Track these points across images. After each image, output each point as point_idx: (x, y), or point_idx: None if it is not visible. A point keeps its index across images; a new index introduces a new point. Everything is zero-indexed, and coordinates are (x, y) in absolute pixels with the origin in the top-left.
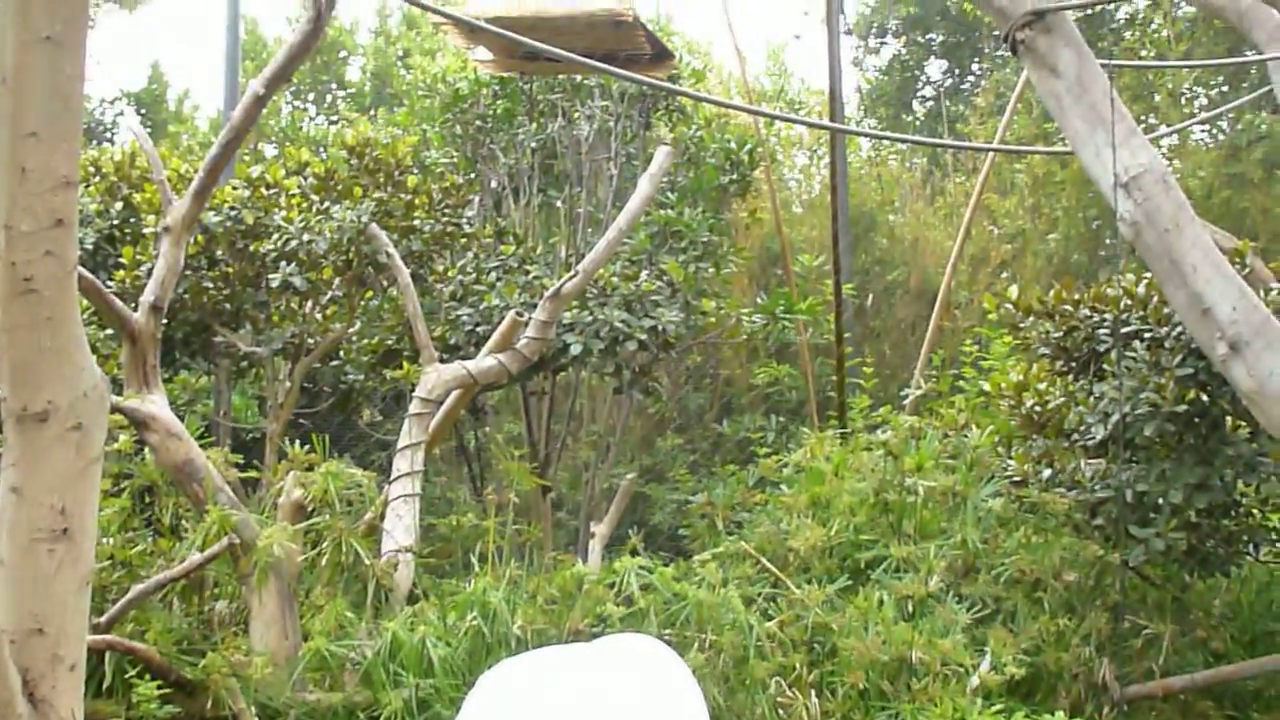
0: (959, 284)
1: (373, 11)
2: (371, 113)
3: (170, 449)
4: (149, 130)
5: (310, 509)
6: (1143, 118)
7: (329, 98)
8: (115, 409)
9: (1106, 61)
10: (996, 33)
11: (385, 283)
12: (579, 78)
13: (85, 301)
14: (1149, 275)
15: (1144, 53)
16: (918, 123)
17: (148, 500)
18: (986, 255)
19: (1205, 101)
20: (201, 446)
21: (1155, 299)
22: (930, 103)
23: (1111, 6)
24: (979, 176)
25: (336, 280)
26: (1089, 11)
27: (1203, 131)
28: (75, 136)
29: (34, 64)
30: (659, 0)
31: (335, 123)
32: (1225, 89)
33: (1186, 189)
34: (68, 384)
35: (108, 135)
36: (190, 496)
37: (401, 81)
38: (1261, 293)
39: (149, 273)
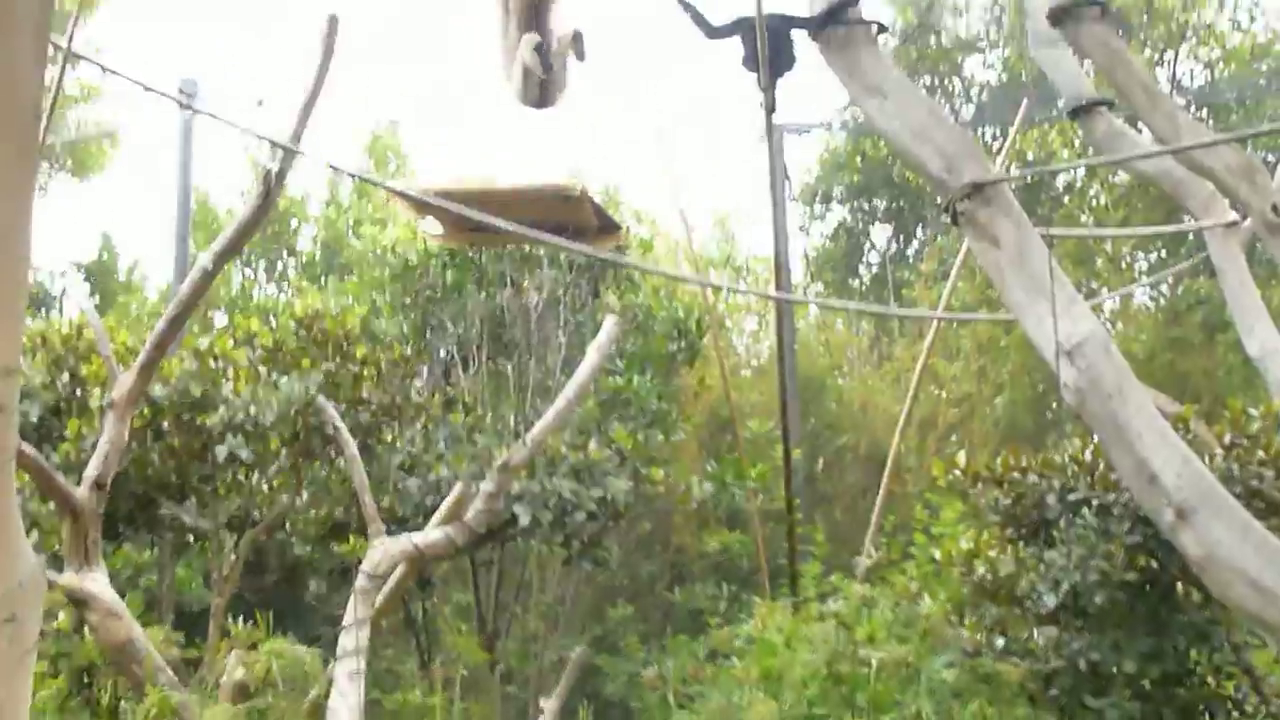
0: (908, 448)
1: (324, 182)
2: (322, 281)
3: (110, 629)
4: (97, 301)
5: (253, 689)
6: (1083, 282)
7: (279, 265)
8: (54, 585)
9: (1046, 231)
10: (938, 202)
11: (333, 454)
12: (528, 248)
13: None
14: (1095, 441)
15: (1083, 218)
16: (864, 287)
17: (86, 681)
18: (935, 419)
19: (1145, 266)
20: (144, 623)
21: (1102, 466)
22: (876, 268)
23: (1050, 174)
24: (925, 341)
25: (284, 452)
26: (1028, 180)
27: (1144, 295)
28: (19, 321)
29: None
30: (606, 170)
31: (285, 291)
32: (1164, 253)
33: (1129, 353)
34: (2, 575)
35: (55, 306)
36: (130, 677)
37: (352, 250)
38: (1206, 458)
39: (93, 446)
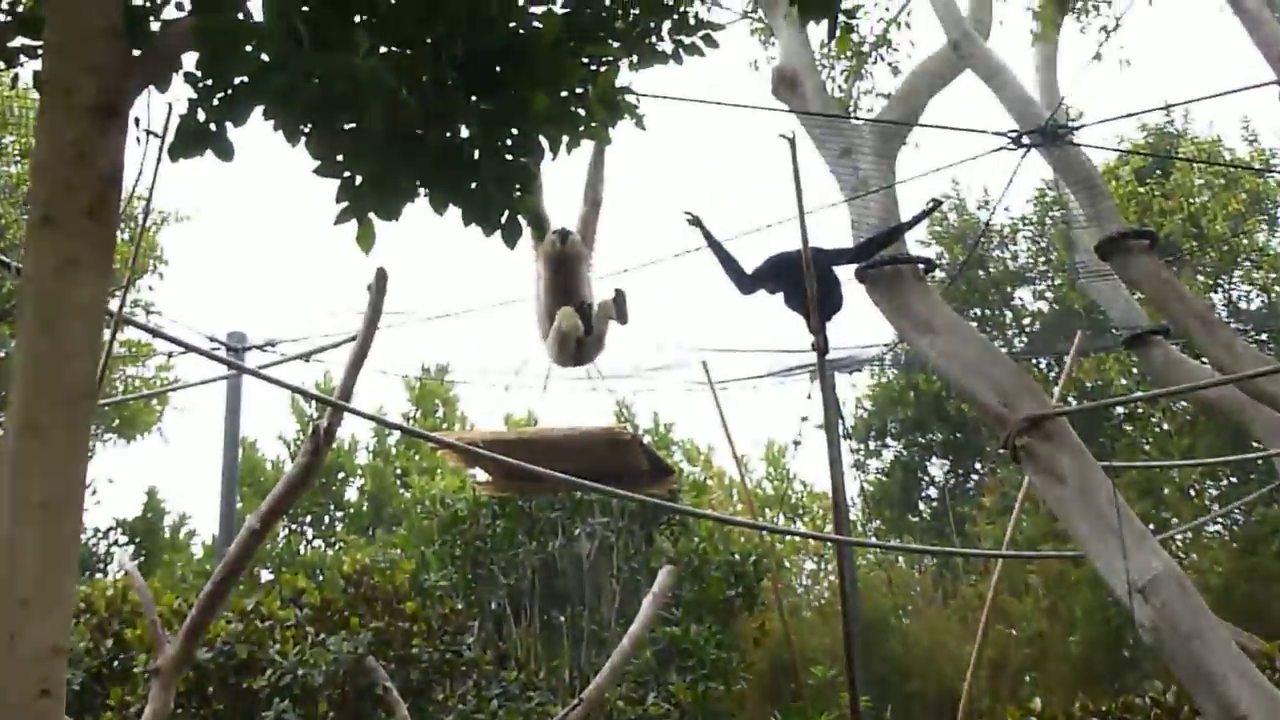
0: (980, 692)
1: (370, 431)
2: (370, 533)
3: None
4: (142, 560)
5: None
6: (1152, 513)
7: (326, 519)
8: None
9: (1108, 464)
10: (997, 436)
11: (383, 715)
12: (579, 495)
13: None
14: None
15: (1146, 447)
16: (923, 524)
17: None
18: (1006, 660)
19: (1215, 493)
20: None
21: (1186, 709)
22: (935, 503)
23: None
24: (992, 578)
25: (332, 714)
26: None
27: (1217, 524)
28: (69, 601)
29: (29, 531)
30: (658, 411)
31: (333, 545)
32: (1233, 480)
33: (1205, 585)
34: None
35: (100, 567)
36: None
37: (400, 500)
38: None
39: (137, 714)
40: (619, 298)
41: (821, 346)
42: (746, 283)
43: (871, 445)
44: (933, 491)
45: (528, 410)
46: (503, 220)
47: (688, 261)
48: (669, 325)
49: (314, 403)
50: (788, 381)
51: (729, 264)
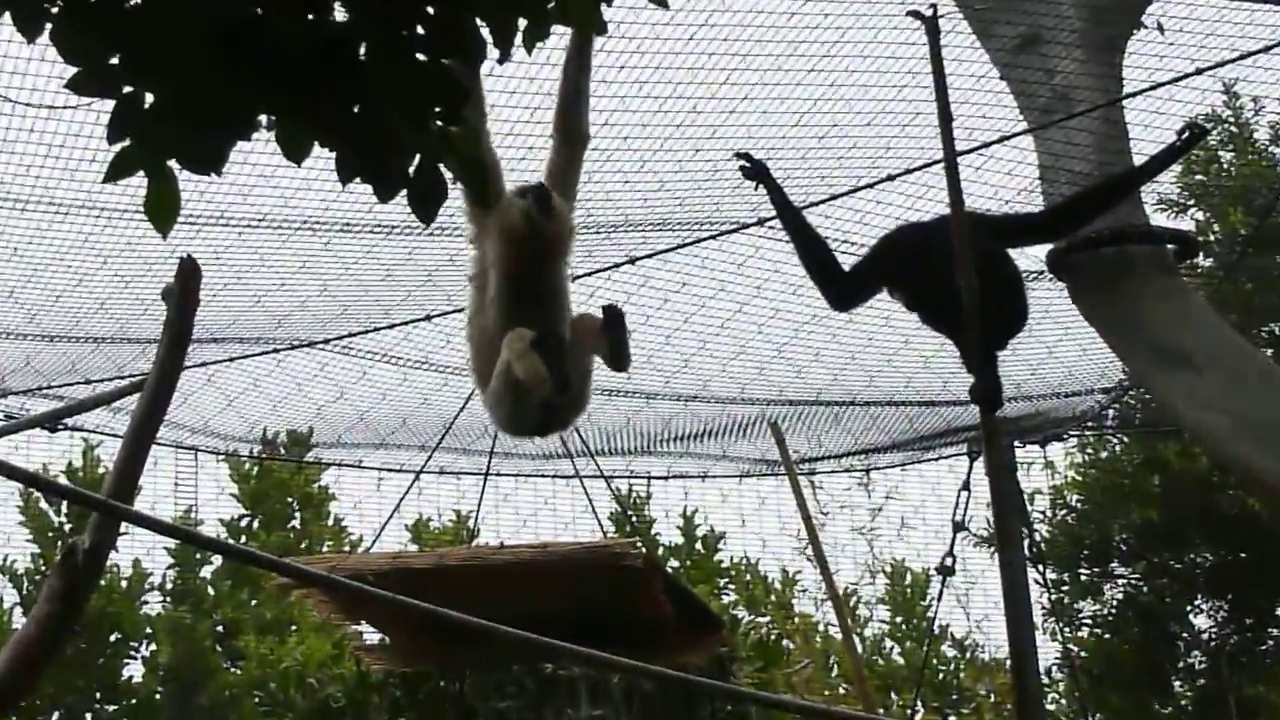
0: None
1: (170, 555)
2: None
3: None
4: None
5: None
6: None
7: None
8: None
9: None
10: None
11: None
12: (550, 667)
13: None
14: None
15: None
16: (1182, 713)
17: None
18: None
19: None
20: None
21: None
22: (1203, 680)
23: None
24: None
25: None
26: None
27: None
28: None
29: None
30: (693, 505)
31: None
32: None
33: None
34: None
35: None
36: None
37: (224, 682)
38: None
39: None
40: (613, 321)
41: (988, 393)
42: (845, 284)
43: (1083, 575)
44: (1199, 658)
45: (457, 511)
46: (411, 171)
47: (738, 244)
48: (703, 357)
49: (65, 502)
50: (927, 458)
51: (813, 250)
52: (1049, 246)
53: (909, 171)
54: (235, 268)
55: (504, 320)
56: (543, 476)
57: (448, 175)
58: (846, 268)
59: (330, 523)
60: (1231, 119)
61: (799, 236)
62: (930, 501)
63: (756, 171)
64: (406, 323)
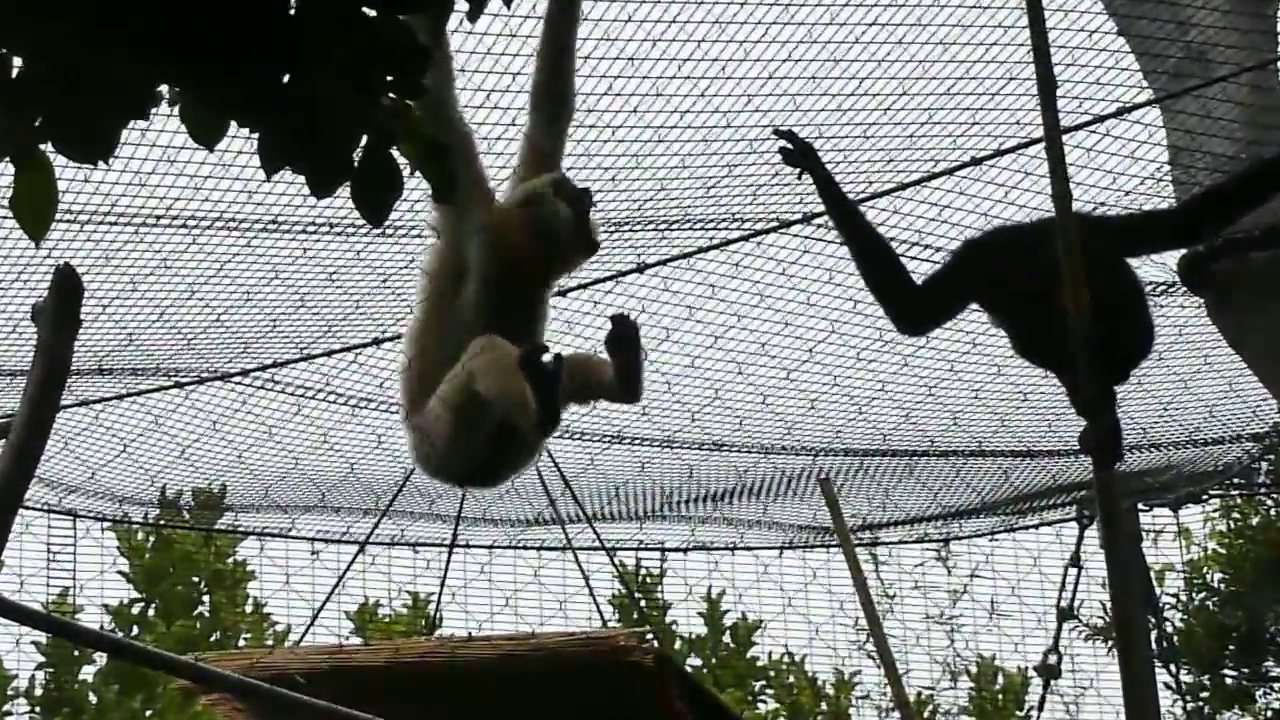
0: None
1: (37, 647)
2: None
3: None
4: None
5: None
6: None
7: None
8: None
9: None
10: None
11: None
12: None
13: None
14: None
15: None
16: None
17: None
18: None
19: None
20: None
21: None
22: None
23: None
24: None
25: None
26: None
27: None
28: None
29: None
30: (716, 585)
31: None
32: None
33: None
34: None
35: None
36: None
37: None
38: None
39: None
40: (623, 334)
41: (1104, 441)
42: (917, 301)
43: (1228, 676)
44: None
45: (414, 593)
46: (355, 158)
47: (781, 243)
48: (736, 389)
49: None
50: (1026, 525)
51: (874, 257)
52: (1182, 252)
53: (999, 154)
54: (129, 276)
55: (476, 332)
56: (526, 548)
57: (403, 162)
58: (919, 280)
59: (249, 608)
60: None
61: (856, 239)
62: (1029, 581)
63: (801, 155)
64: (352, 348)
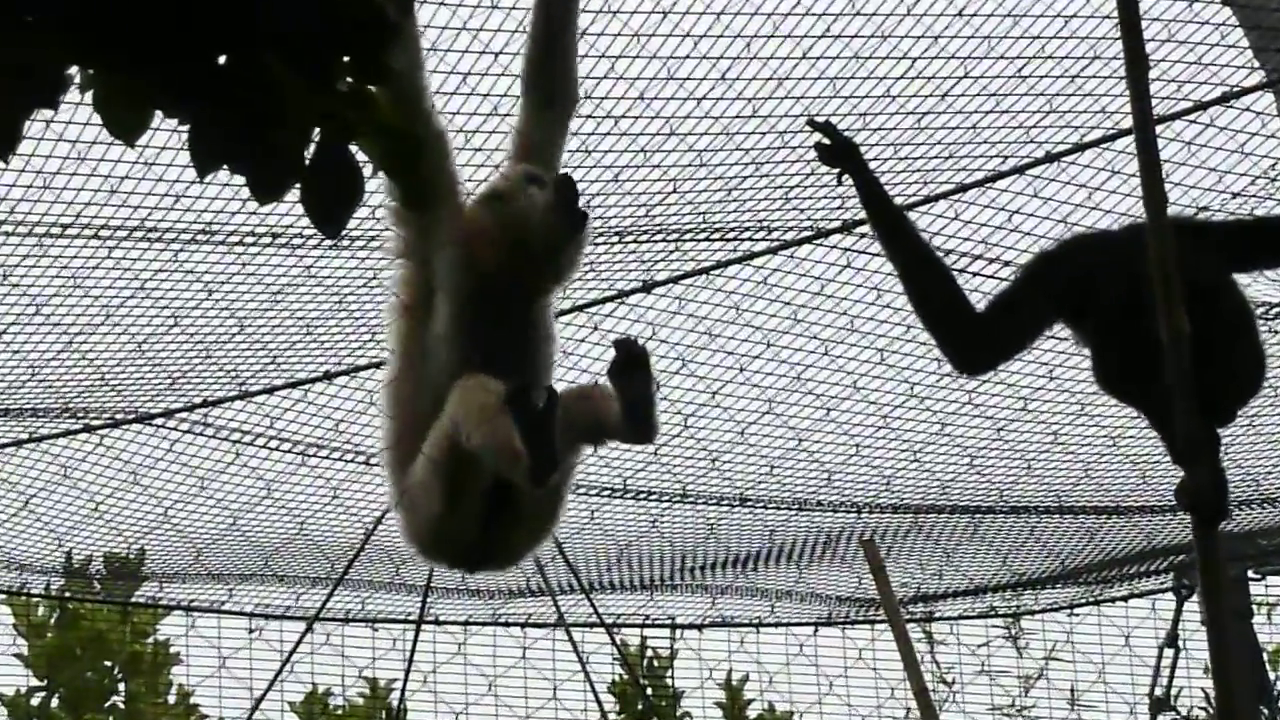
0: None
1: None
2: None
3: None
4: None
5: None
6: None
7: None
8: None
9: None
10: None
11: None
12: None
13: None
14: None
15: None
16: None
17: None
18: None
19: None
20: None
21: None
22: None
23: None
24: None
25: None
26: None
27: None
28: None
29: None
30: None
31: None
32: None
33: None
34: None
35: None
36: None
37: None
38: None
39: None
40: (630, 363)
41: (1205, 495)
42: (980, 331)
43: None
44: None
45: (372, 679)
46: (306, 155)
47: (818, 256)
48: (764, 430)
49: None
50: (1112, 597)
51: (925, 280)
52: None
53: (1080, 149)
54: (30, 297)
55: (459, 370)
56: (508, 625)
57: (363, 160)
58: (980, 305)
59: (173, 698)
60: None
61: (903, 254)
62: (1117, 664)
63: (840, 152)
64: (300, 383)
